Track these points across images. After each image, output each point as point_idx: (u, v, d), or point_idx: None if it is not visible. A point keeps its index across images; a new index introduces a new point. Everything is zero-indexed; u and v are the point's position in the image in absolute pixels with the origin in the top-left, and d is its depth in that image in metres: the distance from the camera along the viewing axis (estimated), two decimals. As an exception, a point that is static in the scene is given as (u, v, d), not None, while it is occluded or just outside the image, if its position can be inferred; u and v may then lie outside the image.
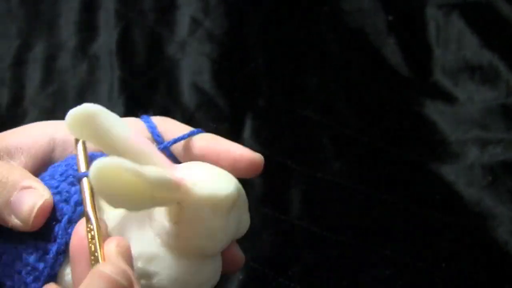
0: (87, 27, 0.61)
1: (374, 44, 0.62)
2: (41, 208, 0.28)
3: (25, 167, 0.31)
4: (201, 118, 0.55)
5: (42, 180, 0.30)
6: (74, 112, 0.27)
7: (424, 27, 0.63)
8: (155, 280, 0.27)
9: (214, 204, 0.26)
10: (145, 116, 0.33)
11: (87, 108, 0.27)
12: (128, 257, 0.26)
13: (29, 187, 0.29)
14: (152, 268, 0.27)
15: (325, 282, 0.47)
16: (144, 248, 0.27)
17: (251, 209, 0.50)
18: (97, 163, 0.23)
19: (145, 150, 0.27)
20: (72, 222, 0.28)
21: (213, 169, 0.28)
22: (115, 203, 0.25)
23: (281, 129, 0.55)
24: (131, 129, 0.27)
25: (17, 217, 0.28)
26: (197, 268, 0.28)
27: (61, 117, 0.57)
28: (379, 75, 0.60)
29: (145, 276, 0.27)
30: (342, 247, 0.48)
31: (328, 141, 0.54)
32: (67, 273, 0.28)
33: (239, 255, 0.32)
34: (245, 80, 0.58)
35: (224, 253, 0.30)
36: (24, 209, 0.28)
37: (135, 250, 0.26)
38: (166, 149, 0.32)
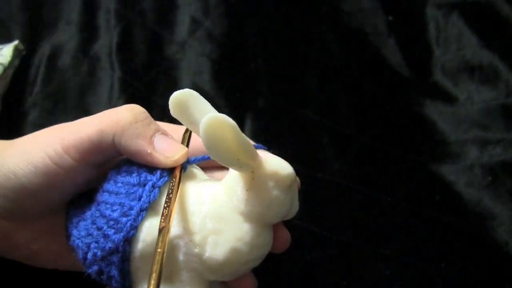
0: (88, 28, 0.61)
1: (374, 44, 0.62)
2: (185, 155, 0.34)
3: None
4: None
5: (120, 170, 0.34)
6: (175, 95, 0.32)
7: (424, 27, 0.64)
8: (222, 237, 0.32)
9: (277, 179, 0.32)
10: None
11: (186, 92, 0.32)
12: None
13: (167, 135, 0.34)
14: (221, 226, 0.32)
15: (326, 282, 0.47)
16: (216, 209, 0.32)
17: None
18: (210, 116, 0.28)
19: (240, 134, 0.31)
20: (155, 187, 0.33)
21: (275, 156, 0.34)
22: (213, 152, 0.30)
23: (281, 129, 0.55)
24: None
25: (161, 153, 0.33)
26: (257, 233, 0.33)
27: (61, 117, 0.58)
28: (379, 75, 0.60)
29: (214, 233, 0.32)
30: (342, 247, 0.48)
31: (328, 141, 0.54)
32: (146, 226, 0.32)
33: (286, 235, 0.36)
34: (245, 80, 0.58)
35: (275, 231, 0.35)
36: (171, 147, 0.33)
37: (207, 210, 0.32)
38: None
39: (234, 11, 0.63)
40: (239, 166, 0.31)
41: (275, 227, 0.35)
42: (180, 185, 0.33)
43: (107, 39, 0.60)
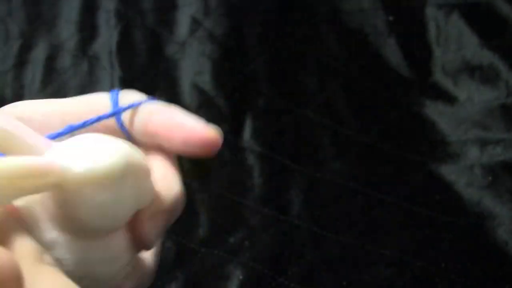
0: (87, 27, 0.61)
1: (374, 44, 0.62)
2: None
3: None
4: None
5: None
6: None
7: (424, 27, 0.63)
8: (64, 266, 0.25)
9: (93, 181, 0.24)
10: (114, 91, 0.31)
11: None
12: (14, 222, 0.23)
13: None
14: (56, 255, 0.25)
15: (325, 282, 0.47)
16: (43, 238, 0.25)
17: (251, 209, 0.51)
18: None
19: (14, 134, 0.24)
20: None
21: (96, 142, 0.25)
22: None
23: (281, 129, 0.55)
24: None
25: None
26: (100, 246, 0.26)
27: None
28: (379, 75, 0.60)
29: (57, 264, 0.24)
30: (342, 247, 0.48)
31: (328, 141, 0.54)
32: None
33: (148, 232, 0.27)
34: (245, 80, 0.58)
35: (134, 229, 0.27)
36: None
37: (38, 242, 0.24)
38: (121, 126, 0.29)
39: (235, 11, 0.63)
40: (34, 191, 0.23)
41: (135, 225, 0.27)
42: None
43: (107, 39, 0.60)
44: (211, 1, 0.64)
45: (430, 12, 0.64)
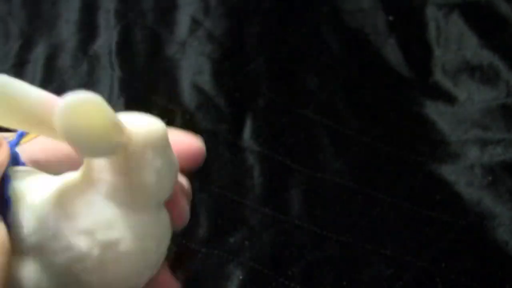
0: (87, 27, 0.61)
1: (374, 44, 0.62)
2: None
3: None
4: (201, 118, 0.55)
5: None
6: None
7: (424, 27, 0.63)
8: (121, 246, 0.25)
9: (154, 143, 0.25)
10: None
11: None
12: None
13: None
14: (114, 235, 0.24)
15: (325, 282, 0.47)
16: (97, 217, 0.24)
17: (251, 209, 0.51)
18: (74, 97, 0.22)
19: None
20: None
21: (139, 114, 0.26)
22: (79, 139, 0.22)
23: (281, 129, 0.55)
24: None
25: None
26: (155, 219, 0.26)
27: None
28: (379, 75, 0.60)
29: (110, 246, 0.24)
30: (342, 247, 0.48)
31: (328, 141, 0.54)
32: None
33: (185, 207, 0.29)
34: (245, 80, 0.58)
35: (170, 207, 0.28)
36: None
37: (87, 224, 0.24)
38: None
39: (235, 11, 0.63)
40: (111, 150, 0.24)
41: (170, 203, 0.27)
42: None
43: (107, 39, 0.60)
44: (211, 1, 0.64)
45: (430, 12, 0.64)
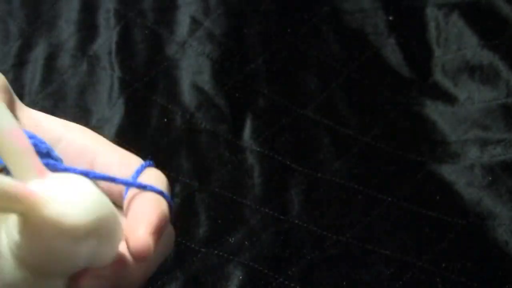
0: (87, 27, 0.61)
1: (374, 44, 0.62)
2: None
3: None
4: (201, 118, 0.55)
5: None
6: None
7: (424, 27, 0.63)
8: None
9: (58, 229, 0.24)
10: (147, 162, 0.31)
11: None
12: None
13: None
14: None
15: (325, 282, 0.47)
16: (6, 278, 0.25)
17: (251, 209, 0.51)
18: None
19: (19, 150, 0.24)
20: None
21: (85, 190, 0.25)
22: None
23: (281, 129, 0.55)
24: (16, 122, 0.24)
25: None
26: (30, 284, 0.25)
27: (61, 116, 0.58)
28: (379, 75, 0.60)
29: None
30: (342, 247, 0.48)
31: (328, 141, 0.54)
32: None
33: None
34: (245, 80, 0.58)
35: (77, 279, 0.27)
36: None
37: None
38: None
39: (235, 11, 0.63)
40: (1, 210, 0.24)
41: (79, 275, 0.26)
42: None
43: (106, 39, 0.60)
44: (211, 1, 0.64)
45: (430, 12, 0.64)
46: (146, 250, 0.26)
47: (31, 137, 0.29)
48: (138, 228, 0.27)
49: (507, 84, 0.58)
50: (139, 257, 0.26)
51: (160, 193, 0.30)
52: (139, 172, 0.31)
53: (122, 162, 0.31)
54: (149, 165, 0.32)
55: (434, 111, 0.57)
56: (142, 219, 0.28)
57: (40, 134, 0.31)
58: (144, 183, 0.30)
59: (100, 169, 0.30)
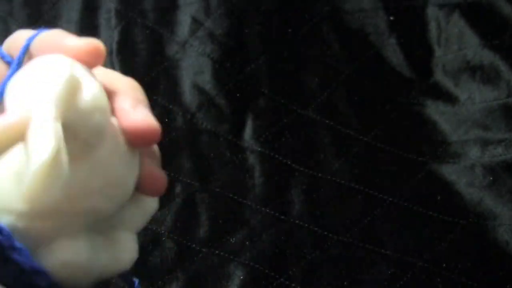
0: (88, 27, 0.61)
1: (375, 44, 0.62)
2: None
3: None
4: (201, 118, 0.55)
5: None
6: None
7: (425, 27, 0.63)
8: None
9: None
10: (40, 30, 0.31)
11: None
12: None
13: None
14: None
15: (326, 282, 0.47)
16: None
17: (252, 209, 0.51)
18: None
19: None
20: None
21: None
22: None
23: (281, 129, 0.55)
24: None
25: None
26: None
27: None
28: (380, 75, 0.60)
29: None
30: (342, 247, 0.48)
31: (328, 141, 0.54)
32: None
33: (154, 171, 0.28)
34: (245, 80, 0.58)
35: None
36: None
37: None
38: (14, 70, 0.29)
39: (235, 11, 0.63)
40: None
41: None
42: None
43: (107, 39, 0.60)
44: (212, 1, 0.64)
45: (431, 12, 0.64)
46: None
47: None
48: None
49: (508, 84, 0.58)
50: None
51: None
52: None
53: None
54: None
55: (435, 111, 0.57)
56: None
57: None
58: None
59: None
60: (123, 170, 0.26)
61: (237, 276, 0.46)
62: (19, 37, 0.30)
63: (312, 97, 0.58)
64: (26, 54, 0.29)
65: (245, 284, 0.46)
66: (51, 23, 0.61)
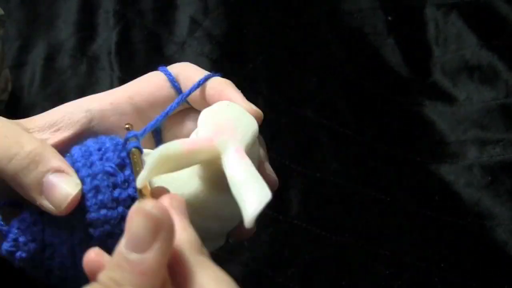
0: (86, 28, 0.61)
1: (374, 44, 0.62)
2: (75, 198, 0.29)
3: (64, 141, 0.33)
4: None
5: (75, 155, 0.32)
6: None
7: (423, 27, 0.64)
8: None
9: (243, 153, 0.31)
10: (163, 68, 0.36)
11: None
12: (180, 209, 0.27)
13: (61, 171, 0.30)
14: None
15: (325, 282, 0.47)
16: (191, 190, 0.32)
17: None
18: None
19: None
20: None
21: (232, 117, 0.32)
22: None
23: (281, 129, 0.55)
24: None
25: (49, 200, 0.29)
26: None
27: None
28: (379, 75, 0.60)
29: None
30: (342, 247, 0.48)
31: (327, 141, 0.54)
32: None
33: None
34: (244, 80, 0.58)
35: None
36: (58, 195, 0.29)
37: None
38: (183, 99, 0.35)
39: (234, 11, 0.63)
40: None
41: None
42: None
43: (106, 39, 0.60)
44: (210, 1, 0.64)
45: (430, 12, 0.64)
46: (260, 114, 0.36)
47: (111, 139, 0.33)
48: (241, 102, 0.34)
49: (506, 84, 0.58)
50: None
51: (213, 75, 0.36)
52: (172, 78, 0.36)
53: (156, 86, 0.35)
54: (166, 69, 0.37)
55: (433, 111, 0.58)
56: (233, 97, 0.35)
57: (71, 118, 0.34)
58: (196, 80, 0.35)
59: (142, 99, 0.35)
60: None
61: (236, 276, 0.46)
62: (190, 71, 0.37)
63: (310, 97, 0.58)
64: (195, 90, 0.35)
65: (244, 284, 0.46)
66: (48, 24, 0.61)
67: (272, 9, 0.64)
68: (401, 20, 0.64)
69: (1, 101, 0.53)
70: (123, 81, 0.57)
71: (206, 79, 0.35)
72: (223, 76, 0.36)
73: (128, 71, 0.58)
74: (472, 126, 0.56)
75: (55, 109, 0.34)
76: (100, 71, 0.58)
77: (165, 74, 0.36)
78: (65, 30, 0.60)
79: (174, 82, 0.36)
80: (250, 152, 0.31)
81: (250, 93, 0.58)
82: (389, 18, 0.64)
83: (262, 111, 0.56)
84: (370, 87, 0.59)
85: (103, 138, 0.33)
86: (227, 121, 0.32)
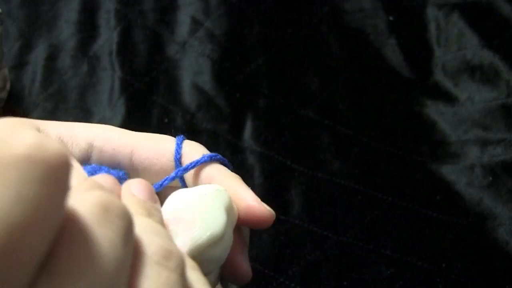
0: (87, 28, 0.61)
1: (375, 44, 0.62)
2: None
3: None
4: (201, 119, 0.55)
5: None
6: None
7: (424, 27, 0.64)
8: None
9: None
10: (180, 138, 0.35)
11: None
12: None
13: None
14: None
15: (325, 282, 0.47)
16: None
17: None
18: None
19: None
20: None
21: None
22: None
23: (281, 129, 0.55)
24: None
25: None
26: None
27: (62, 117, 0.58)
28: (380, 75, 0.60)
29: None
30: (342, 247, 0.48)
31: (328, 141, 0.54)
32: None
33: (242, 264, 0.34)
34: (245, 80, 0.58)
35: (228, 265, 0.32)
36: None
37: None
38: (183, 182, 0.34)
39: (235, 11, 0.63)
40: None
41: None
42: None
43: (107, 39, 0.60)
44: (211, 1, 0.64)
45: (431, 12, 0.64)
46: (271, 214, 0.32)
47: (102, 169, 0.33)
48: (250, 201, 0.32)
49: (507, 84, 0.58)
50: (266, 221, 0.32)
51: (215, 156, 0.34)
52: (178, 152, 0.34)
53: (158, 153, 0.34)
54: (181, 141, 0.35)
55: (435, 111, 0.57)
56: (242, 195, 0.32)
57: (76, 141, 0.34)
58: (195, 160, 0.34)
59: (139, 160, 0.34)
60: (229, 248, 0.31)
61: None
62: (197, 149, 0.35)
63: (311, 97, 0.58)
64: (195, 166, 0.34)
65: (245, 284, 0.46)
66: (49, 24, 0.61)
67: (273, 9, 0.64)
68: (402, 20, 0.64)
69: (0, 99, 0.53)
70: (124, 81, 0.57)
71: (201, 162, 0.33)
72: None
73: (129, 71, 0.58)
74: (473, 126, 0.56)
75: (66, 124, 0.34)
76: (101, 71, 0.58)
77: (176, 147, 0.35)
78: (66, 30, 0.61)
79: (177, 160, 0.34)
80: (208, 253, 0.29)
81: (250, 93, 0.58)
82: (390, 18, 0.64)
83: (262, 111, 0.55)
84: (370, 87, 0.59)
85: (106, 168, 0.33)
86: (188, 212, 0.29)
